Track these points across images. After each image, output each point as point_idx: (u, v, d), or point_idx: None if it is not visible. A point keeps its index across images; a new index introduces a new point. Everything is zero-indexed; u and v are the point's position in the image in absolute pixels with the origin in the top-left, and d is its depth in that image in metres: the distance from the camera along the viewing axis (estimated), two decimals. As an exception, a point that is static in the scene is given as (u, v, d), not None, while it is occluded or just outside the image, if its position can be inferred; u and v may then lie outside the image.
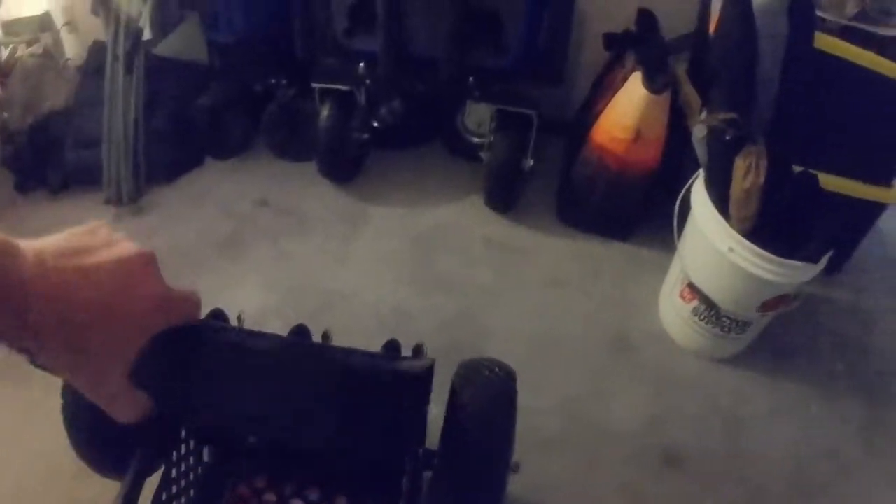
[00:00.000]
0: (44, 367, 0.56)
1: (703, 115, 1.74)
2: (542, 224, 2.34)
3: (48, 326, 0.51)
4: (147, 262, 0.60)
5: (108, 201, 2.24)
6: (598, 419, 1.79)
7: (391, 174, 2.49)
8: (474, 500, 1.06)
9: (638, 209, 2.25)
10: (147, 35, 2.11)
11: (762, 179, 1.63)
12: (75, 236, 0.56)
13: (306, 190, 2.40)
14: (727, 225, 1.69)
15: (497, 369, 1.22)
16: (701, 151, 1.80)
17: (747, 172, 1.64)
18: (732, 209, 1.69)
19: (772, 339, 1.96)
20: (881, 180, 1.89)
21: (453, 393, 1.18)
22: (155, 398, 0.65)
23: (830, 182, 1.79)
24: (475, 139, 2.49)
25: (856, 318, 2.10)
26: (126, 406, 0.62)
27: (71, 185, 2.34)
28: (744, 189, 1.65)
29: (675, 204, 2.05)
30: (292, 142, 2.44)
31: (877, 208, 1.95)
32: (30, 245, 0.52)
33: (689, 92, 2.05)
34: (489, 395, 1.13)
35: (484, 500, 1.08)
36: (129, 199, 2.26)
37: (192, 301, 0.67)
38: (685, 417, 1.80)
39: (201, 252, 2.16)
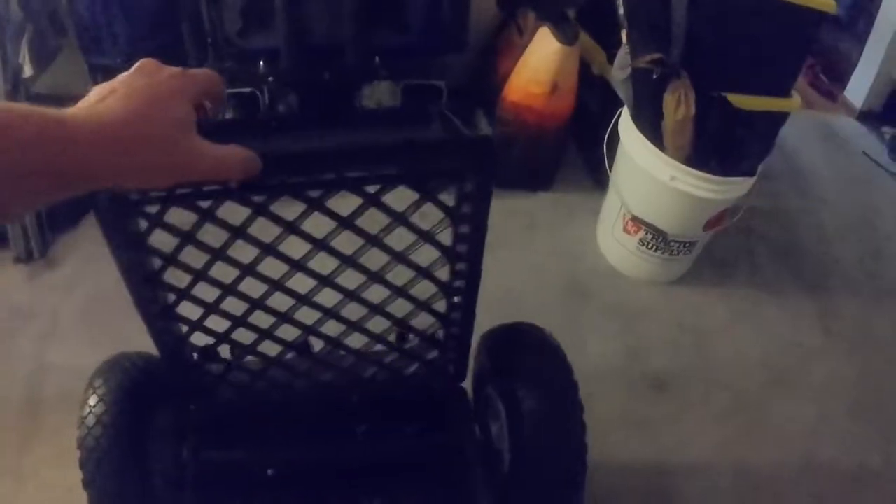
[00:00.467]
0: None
1: (627, 57, 1.82)
2: (467, 191, 2.36)
3: (116, 158, 0.56)
4: (156, 63, 0.64)
5: (17, 260, 2.05)
6: (580, 362, 1.83)
7: (294, 206, 2.42)
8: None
9: (558, 158, 2.33)
10: (27, 72, 1.93)
11: (693, 109, 1.74)
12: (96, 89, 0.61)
13: (219, 236, 2.30)
14: (665, 156, 1.78)
15: (526, 327, 1.25)
16: (624, 92, 1.88)
17: (678, 105, 1.74)
18: (668, 141, 1.78)
19: (712, 255, 2.10)
20: (782, 93, 2.04)
21: (498, 359, 1.19)
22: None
23: (742, 101, 1.91)
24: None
25: (779, 222, 2.30)
26: (224, 160, 0.66)
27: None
28: (677, 121, 1.75)
29: (582, 148, 2.14)
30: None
31: (781, 119, 2.11)
32: (66, 112, 0.54)
33: (586, 40, 2.14)
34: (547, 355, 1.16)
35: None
36: (40, 253, 2.08)
37: (207, 71, 0.69)
38: (657, 342, 1.90)
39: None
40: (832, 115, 2.91)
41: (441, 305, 1.07)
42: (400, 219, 0.92)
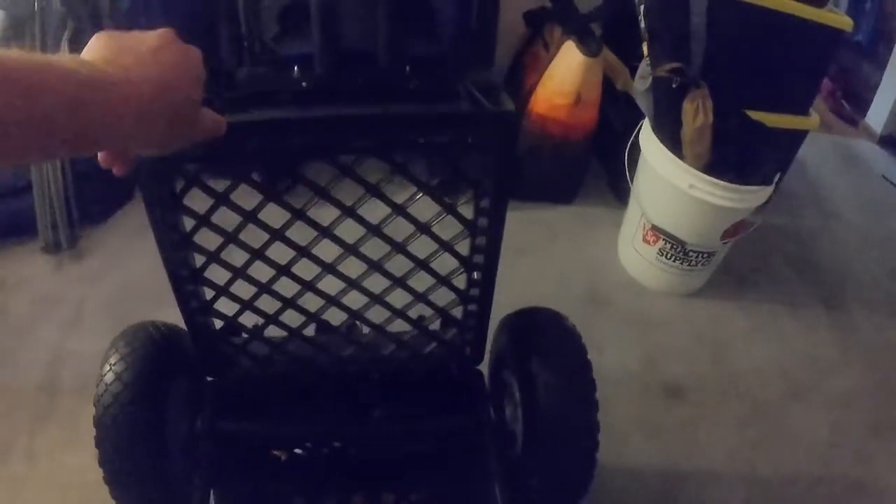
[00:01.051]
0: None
1: (646, 69, 1.86)
2: (491, 202, 2.41)
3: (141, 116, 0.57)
4: (174, 34, 0.67)
5: (45, 250, 2.10)
6: (597, 368, 1.86)
7: (325, 175, 2.48)
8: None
9: (581, 171, 2.36)
10: None
11: (711, 118, 1.77)
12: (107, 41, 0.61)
13: (250, 203, 2.35)
14: (684, 165, 1.81)
15: (543, 312, 1.28)
16: (645, 103, 1.92)
17: (696, 114, 1.77)
18: (686, 149, 1.81)
19: (730, 268, 2.12)
20: (800, 111, 2.07)
21: (515, 341, 1.22)
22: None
23: (761, 118, 1.95)
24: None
25: (797, 238, 2.32)
26: (216, 123, 0.72)
27: (-1, 239, 2.18)
28: (695, 129, 1.78)
29: (605, 163, 2.16)
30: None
31: (799, 137, 2.14)
32: (97, 72, 0.55)
33: (610, 56, 2.18)
34: (564, 336, 1.18)
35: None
36: (68, 244, 2.13)
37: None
38: (674, 351, 1.91)
39: (158, 286, 2.06)
40: (853, 140, 2.93)
41: (461, 281, 1.10)
42: (426, 188, 0.96)
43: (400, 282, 1.07)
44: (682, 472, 1.65)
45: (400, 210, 0.97)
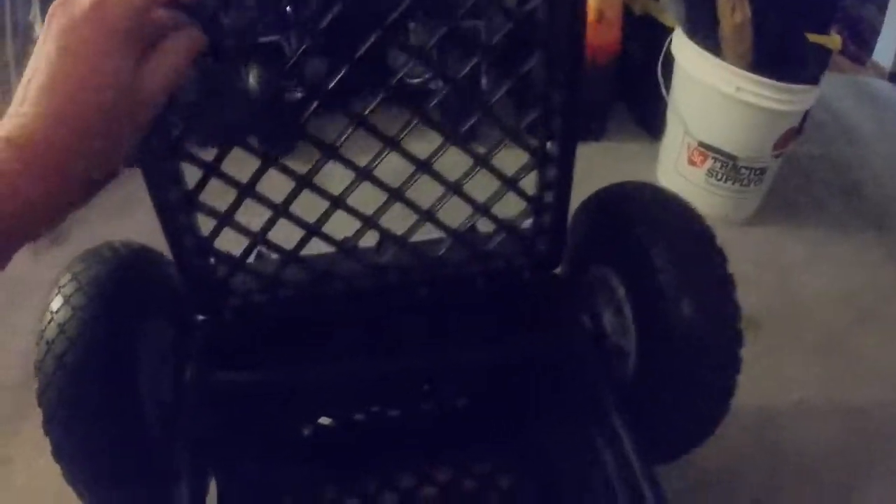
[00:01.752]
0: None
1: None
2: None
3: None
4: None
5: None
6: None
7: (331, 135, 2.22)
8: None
9: (608, 101, 2.16)
10: (38, 31, 1.79)
11: (749, 11, 1.58)
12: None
13: (245, 171, 2.07)
14: (728, 66, 1.60)
15: (635, 185, 1.01)
16: (676, 7, 1.72)
17: (734, 10, 1.58)
18: (727, 49, 1.61)
19: (776, 199, 1.94)
20: (821, 31, 1.87)
21: (611, 225, 0.94)
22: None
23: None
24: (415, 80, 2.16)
25: (834, 167, 2.15)
26: (174, 68, 0.51)
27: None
28: (735, 25, 1.59)
29: (631, 99, 2.10)
30: (211, 120, 2.06)
31: (825, 56, 1.93)
32: None
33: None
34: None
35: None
36: (46, 229, 1.86)
37: None
38: (739, 280, 1.68)
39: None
40: (864, 78, 2.78)
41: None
42: None
43: (455, 137, 0.79)
44: (775, 408, 1.43)
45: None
